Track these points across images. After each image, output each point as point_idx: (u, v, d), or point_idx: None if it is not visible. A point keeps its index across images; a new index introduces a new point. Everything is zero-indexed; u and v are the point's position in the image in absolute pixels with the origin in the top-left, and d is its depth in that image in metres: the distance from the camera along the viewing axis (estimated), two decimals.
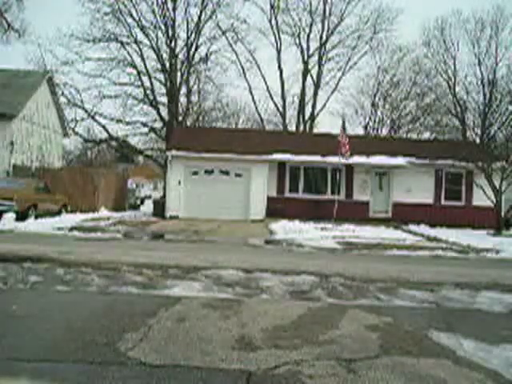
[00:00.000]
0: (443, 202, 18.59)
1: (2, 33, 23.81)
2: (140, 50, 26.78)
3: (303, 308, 4.64)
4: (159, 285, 5.51)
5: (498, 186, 16.14)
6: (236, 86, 69.68)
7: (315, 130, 31.42)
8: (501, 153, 17.33)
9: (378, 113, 35.29)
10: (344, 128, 16.80)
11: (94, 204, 18.84)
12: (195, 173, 17.99)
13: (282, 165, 18.40)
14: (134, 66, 26.87)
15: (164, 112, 27.43)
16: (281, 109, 32.67)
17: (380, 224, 16.55)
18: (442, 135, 29.18)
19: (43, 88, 22.24)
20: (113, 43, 26.59)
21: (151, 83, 27.16)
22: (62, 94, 25.33)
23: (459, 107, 23.15)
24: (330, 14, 31.64)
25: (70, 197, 17.51)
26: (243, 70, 31.54)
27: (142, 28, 26.60)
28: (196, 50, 28.00)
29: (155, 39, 26.94)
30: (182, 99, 28.63)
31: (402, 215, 17.95)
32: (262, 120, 33.83)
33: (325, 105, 33.22)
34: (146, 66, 26.95)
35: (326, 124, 70.87)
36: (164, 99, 27.73)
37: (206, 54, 28.18)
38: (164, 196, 19.57)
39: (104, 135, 28.27)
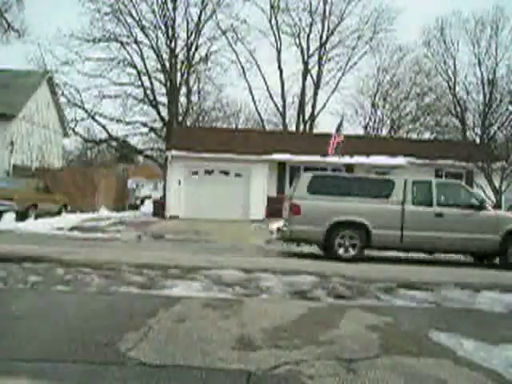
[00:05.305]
0: None
1: (1, 33, 23.82)
2: (140, 50, 26.84)
3: (303, 308, 4.63)
4: (159, 285, 5.50)
5: (497, 186, 16.12)
6: (236, 85, 69.76)
7: (315, 130, 31.42)
8: (501, 153, 17.33)
9: (378, 113, 35.35)
10: (341, 126, 16.69)
11: (94, 204, 18.83)
12: (195, 173, 17.99)
13: (281, 165, 18.39)
14: (134, 66, 26.91)
15: (164, 112, 27.47)
16: (281, 109, 32.69)
17: None
18: (442, 135, 29.21)
19: (43, 88, 22.23)
20: (113, 43, 26.67)
21: (151, 83, 27.20)
22: (62, 94, 25.38)
23: (459, 107, 23.15)
24: (330, 14, 31.72)
25: (70, 197, 17.49)
26: (243, 69, 31.59)
27: (142, 28, 26.65)
28: (196, 50, 28.07)
29: (155, 39, 27.00)
30: (182, 99, 28.73)
31: None
32: (262, 120, 33.84)
33: (325, 105, 33.26)
34: (145, 66, 27.00)
35: (326, 124, 70.69)
36: (164, 99, 27.79)
37: (206, 54, 28.24)
38: (164, 196, 19.56)
39: (104, 135, 28.34)
